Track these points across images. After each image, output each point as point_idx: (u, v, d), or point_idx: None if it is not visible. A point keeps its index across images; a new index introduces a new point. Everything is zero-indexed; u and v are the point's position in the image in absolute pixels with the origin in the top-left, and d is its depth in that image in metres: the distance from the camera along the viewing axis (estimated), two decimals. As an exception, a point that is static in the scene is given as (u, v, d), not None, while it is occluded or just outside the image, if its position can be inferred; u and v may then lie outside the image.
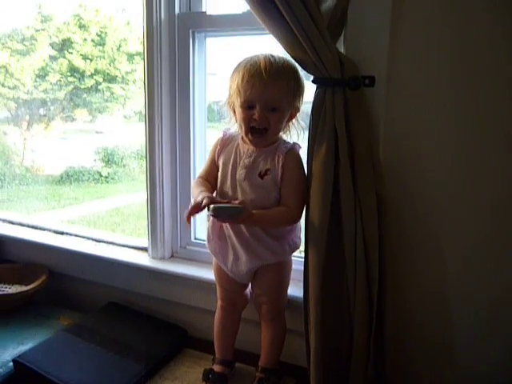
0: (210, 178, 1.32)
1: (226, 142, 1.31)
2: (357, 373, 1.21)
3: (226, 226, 1.27)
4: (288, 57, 1.18)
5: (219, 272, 1.37)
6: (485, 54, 1.11)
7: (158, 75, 1.53)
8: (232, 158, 1.27)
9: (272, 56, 1.17)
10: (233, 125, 1.29)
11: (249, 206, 1.18)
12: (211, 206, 1.14)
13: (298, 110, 1.23)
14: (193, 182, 1.36)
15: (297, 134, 1.27)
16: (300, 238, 1.32)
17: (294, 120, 1.26)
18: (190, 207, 1.18)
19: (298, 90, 1.19)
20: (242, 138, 1.27)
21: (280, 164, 1.22)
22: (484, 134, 1.15)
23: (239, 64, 1.20)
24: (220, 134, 1.34)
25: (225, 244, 1.30)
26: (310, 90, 1.20)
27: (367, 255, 1.16)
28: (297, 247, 1.31)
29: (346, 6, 1.15)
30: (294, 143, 1.26)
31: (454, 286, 1.24)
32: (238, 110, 1.20)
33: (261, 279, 1.33)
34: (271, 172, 1.22)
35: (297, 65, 1.18)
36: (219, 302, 1.41)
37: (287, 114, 1.21)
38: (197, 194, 1.23)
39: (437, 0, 1.14)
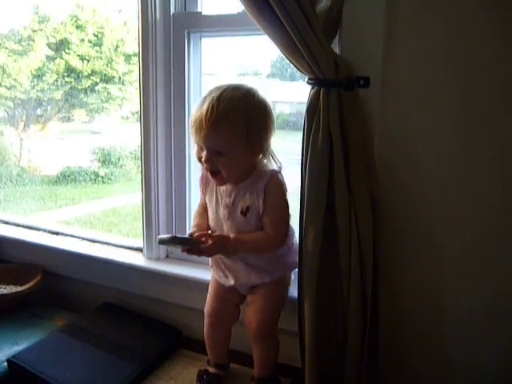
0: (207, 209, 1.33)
1: (206, 179, 1.30)
2: (351, 373, 1.21)
3: None
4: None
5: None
6: (479, 55, 1.12)
7: (153, 75, 1.52)
8: (214, 198, 1.27)
9: (221, 97, 1.12)
10: None
11: (225, 234, 1.23)
12: (158, 237, 1.24)
13: (260, 147, 1.19)
14: (195, 211, 1.40)
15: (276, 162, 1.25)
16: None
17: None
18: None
19: (253, 130, 1.15)
20: None
21: (261, 201, 1.20)
22: (480, 134, 1.15)
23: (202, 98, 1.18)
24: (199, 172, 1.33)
25: (215, 261, 1.32)
26: (303, 89, 1.19)
27: (361, 255, 1.16)
28: (295, 266, 1.28)
29: (341, 7, 1.15)
30: (272, 171, 1.22)
31: (449, 285, 1.25)
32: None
33: (254, 295, 1.31)
34: (251, 209, 1.21)
35: (261, 99, 1.17)
36: (205, 318, 1.38)
37: (241, 156, 1.17)
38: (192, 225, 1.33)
39: (431, 1, 1.14)
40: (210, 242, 1.18)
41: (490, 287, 1.21)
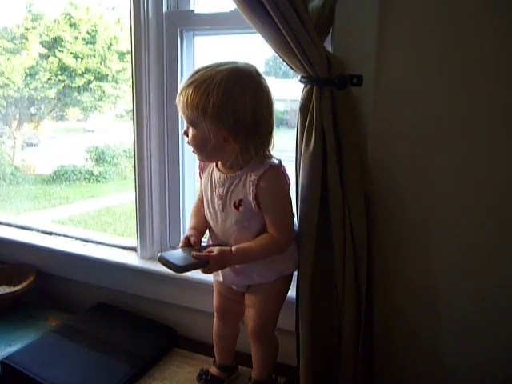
0: None
1: (204, 164, 1.24)
2: (346, 371, 1.21)
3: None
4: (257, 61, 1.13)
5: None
6: (473, 52, 1.12)
7: (146, 74, 1.51)
8: (208, 186, 1.20)
9: (205, 67, 1.08)
10: None
11: (225, 249, 1.12)
12: (159, 254, 1.12)
13: (225, 132, 1.07)
14: (192, 206, 1.32)
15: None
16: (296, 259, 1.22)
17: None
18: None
19: (213, 108, 1.03)
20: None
21: (252, 195, 1.11)
22: (474, 132, 1.15)
23: None
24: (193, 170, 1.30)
25: None
26: (298, 87, 1.18)
27: (356, 254, 1.16)
28: (293, 268, 1.23)
29: (334, 5, 1.14)
30: (270, 164, 1.11)
31: (443, 284, 1.25)
32: None
33: (250, 295, 1.27)
34: (244, 202, 1.13)
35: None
36: (215, 313, 1.35)
37: (206, 134, 1.07)
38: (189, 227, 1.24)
39: (424, -1, 1.14)
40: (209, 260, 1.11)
41: (484, 286, 1.21)
